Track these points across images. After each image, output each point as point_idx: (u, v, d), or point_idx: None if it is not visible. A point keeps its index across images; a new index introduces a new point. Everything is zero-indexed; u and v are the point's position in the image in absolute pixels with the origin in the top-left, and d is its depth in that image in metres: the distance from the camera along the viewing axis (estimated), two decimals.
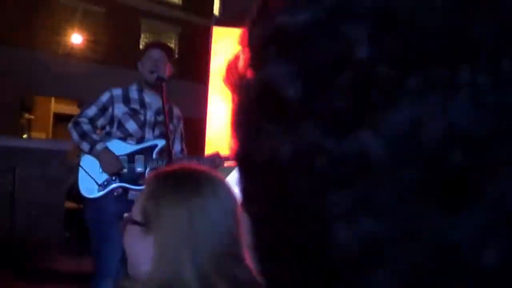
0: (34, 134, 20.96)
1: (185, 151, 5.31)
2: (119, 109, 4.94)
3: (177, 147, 5.22)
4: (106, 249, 4.69)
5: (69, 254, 7.80)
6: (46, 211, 8.67)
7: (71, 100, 18.98)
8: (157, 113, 5.01)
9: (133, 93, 5.02)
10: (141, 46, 24.63)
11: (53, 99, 22.24)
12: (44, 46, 20.30)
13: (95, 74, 16.28)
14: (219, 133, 10.27)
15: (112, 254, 4.54)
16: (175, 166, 1.81)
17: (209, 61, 10.50)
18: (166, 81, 4.94)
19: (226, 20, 10.97)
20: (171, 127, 4.97)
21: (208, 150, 10.05)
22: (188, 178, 1.69)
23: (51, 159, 8.81)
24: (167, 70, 4.99)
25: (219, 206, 1.63)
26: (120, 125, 4.95)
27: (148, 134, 5.00)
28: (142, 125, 4.98)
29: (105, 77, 11.58)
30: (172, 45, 24.97)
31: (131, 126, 4.96)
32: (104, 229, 4.75)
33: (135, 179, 4.93)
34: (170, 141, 4.99)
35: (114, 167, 4.88)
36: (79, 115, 4.94)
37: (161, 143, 4.96)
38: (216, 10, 25.14)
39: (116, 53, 21.00)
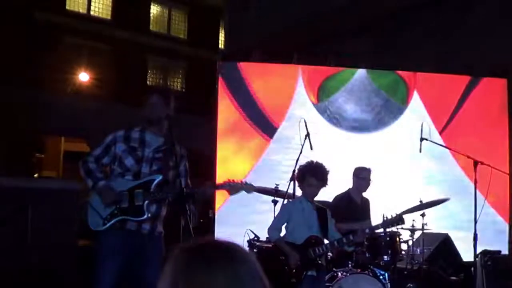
0: (45, 173, 21.13)
1: (189, 186, 5.64)
2: (120, 147, 5.52)
3: (181, 182, 5.48)
4: (105, 276, 5.34)
5: None
6: (58, 250, 8.74)
7: (81, 139, 19.07)
8: (156, 151, 5.55)
9: (135, 134, 5.59)
10: (148, 82, 24.82)
11: (63, 138, 22.38)
12: (52, 86, 20.50)
13: (103, 112, 16.41)
14: (227, 166, 10.39)
15: (109, 281, 5.31)
16: (199, 240, 1.90)
17: (217, 96, 10.64)
18: (166, 119, 5.49)
19: (231, 54, 11.06)
20: (170, 163, 5.49)
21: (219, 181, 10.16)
22: (216, 249, 1.81)
23: (63, 198, 8.96)
24: (165, 110, 5.52)
25: (248, 271, 1.78)
26: (120, 162, 5.51)
27: (145, 168, 5.50)
28: (139, 160, 5.50)
29: (112, 115, 11.68)
30: (179, 80, 25.17)
31: (129, 161, 5.50)
32: (103, 260, 5.37)
33: (135, 211, 5.38)
34: (173, 176, 5.56)
35: (111, 199, 5.35)
36: (88, 154, 5.58)
37: (158, 177, 5.43)
38: (221, 43, 25.36)
39: (123, 90, 21.15)
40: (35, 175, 19.92)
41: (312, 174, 6.49)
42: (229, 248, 1.82)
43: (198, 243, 1.86)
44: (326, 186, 6.69)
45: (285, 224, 6.63)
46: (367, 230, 6.69)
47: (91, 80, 22.43)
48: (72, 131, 16.81)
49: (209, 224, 10.37)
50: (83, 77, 22.47)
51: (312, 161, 6.67)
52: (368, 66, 11.21)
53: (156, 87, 24.57)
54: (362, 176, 8.29)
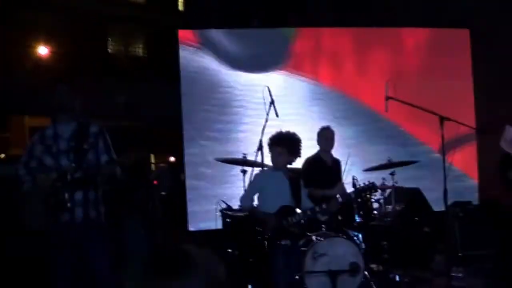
0: (13, 151, 20.83)
1: (115, 160, 5.67)
2: (38, 150, 5.60)
3: (103, 159, 5.65)
4: (58, 271, 5.44)
5: None
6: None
7: (44, 115, 18.82)
8: (70, 139, 5.56)
9: (49, 131, 5.63)
10: (109, 51, 24.50)
11: (26, 116, 22.08)
12: (10, 61, 20.10)
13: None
14: (194, 131, 10.33)
15: (63, 275, 5.44)
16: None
17: (179, 63, 10.55)
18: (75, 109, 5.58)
19: (191, 19, 10.93)
20: (85, 146, 5.52)
21: (187, 146, 10.14)
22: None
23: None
24: (75, 101, 5.62)
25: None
26: (41, 162, 5.56)
27: (63, 161, 5.51)
28: (55, 156, 5.53)
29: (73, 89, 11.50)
30: (140, 47, 24.92)
31: (48, 160, 5.54)
32: (52, 256, 5.49)
33: (60, 204, 5.38)
34: (91, 158, 5.58)
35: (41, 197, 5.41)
36: (19, 162, 5.65)
37: (71, 165, 5.42)
38: (180, 6, 25.04)
39: (84, 61, 20.83)
40: (2, 155, 19.67)
41: (277, 143, 6.45)
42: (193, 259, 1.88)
43: (161, 253, 1.91)
44: (299, 155, 6.66)
45: (257, 194, 6.60)
46: (340, 199, 6.68)
47: (51, 53, 22.04)
48: (35, 108, 16.50)
49: (181, 188, 10.34)
50: (42, 51, 22.06)
51: (281, 131, 6.62)
52: (329, 25, 11.17)
53: (118, 55, 24.24)
54: (325, 136, 8.26)
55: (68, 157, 5.49)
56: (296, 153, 6.57)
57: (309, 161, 8.13)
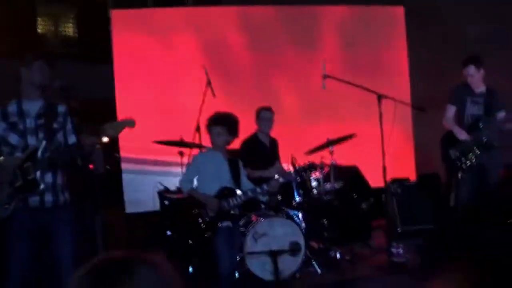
0: None
1: (82, 141, 5.31)
2: (1, 127, 5.15)
3: (71, 140, 5.34)
4: (14, 257, 5.06)
5: None
6: None
7: None
8: (37, 117, 5.21)
9: (12, 107, 5.21)
10: (39, 31, 23.94)
11: None
12: None
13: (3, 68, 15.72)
14: (128, 112, 10.13)
15: (19, 260, 5.05)
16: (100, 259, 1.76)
17: (111, 42, 10.33)
18: (47, 87, 5.25)
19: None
20: (55, 125, 5.22)
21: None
22: (118, 267, 1.69)
23: None
24: (49, 77, 5.25)
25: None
26: (5, 141, 5.15)
27: (31, 140, 5.16)
28: (22, 134, 5.15)
29: (3, 70, 11.19)
30: (71, 26, 24.39)
31: (13, 138, 5.14)
32: (12, 245, 5.08)
33: (30, 186, 5.06)
34: (61, 138, 5.29)
35: (10, 181, 5.03)
36: None
37: (42, 144, 5.10)
38: None
39: (11, 40, 20.29)
40: None
41: (216, 123, 6.35)
42: (133, 264, 1.70)
43: (97, 263, 1.73)
44: (237, 136, 6.58)
45: (197, 176, 6.50)
46: (280, 179, 6.63)
47: None
48: None
49: (116, 167, 10.17)
50: None
51: (218, 112, 6.52)
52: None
53: (48, 35, 23.70)
54: (263, 117, 8.20)
55: (37, 136, 5.14)
56: (235, 133, 6.48)
57: (247, 142, 8.06)
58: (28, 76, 5.19)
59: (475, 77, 7.54)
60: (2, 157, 5.10)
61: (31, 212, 5.08)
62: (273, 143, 8.36)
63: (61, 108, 5.33)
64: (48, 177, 5.14)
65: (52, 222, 5.16)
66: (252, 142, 8.09)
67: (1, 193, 5.02)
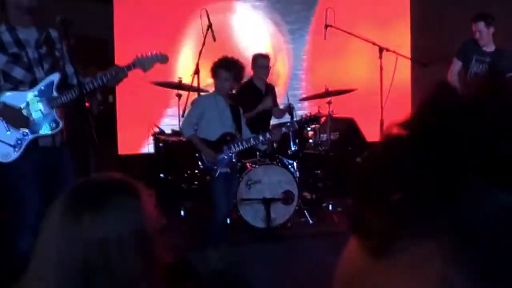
0: None
1: (81, 71, 5.04)
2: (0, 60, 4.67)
3: (69, 70, 4.96)
4: (27, 203, 4.61)
5: None
6: None
7: None
8: (38, 47, 4.80)
9: (6, 36, 4.72)
10: None
11: None
12: None
13: None
14: (126, 51, 10.02)
15: (33, 207, 4.52)
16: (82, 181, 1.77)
17: None
18: (36, 11, 4.76)
19: None
20: (56, 53, 4.82)
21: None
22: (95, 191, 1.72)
23: None
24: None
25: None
26: (7, 76, 4.69)
27: (38, 73, 4.77)
28: (29, 67, 4.73)
29: None
30: None
31: (18, 72, 4.70)
32: (24, 185, 4.65)
33: (46, 124, 4.75)
34: (65, 69, 4.89)
35: (22, 120, 4.69)
36: None
37: (56, 77, 4.78)
38: None
39: None
40: None
41: (225, 68, 6.27)
42: (111, 189, 1.72)
43: (78, 184, 1.75)
44: (241, 81, 6.53)
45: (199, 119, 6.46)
46: (283, 129, 6.60)
47: None
48: None
49: (111, 111, 10.08)
50: None
51: (225, 56, 6.44)
52: None
53: None
54: (260, 64, 8.09)
55: (43, 67, 4.76)
56: (240, 79, 6.43)
57: (242, 87, 7.96)
58: (14, 1, 4.70)
59: (484, 34, 7.44)
60: (9, 93, 4.68)
61: (41, 152, 4.77)
62: (269, 89, 8.27)
63: (54, 33, 4.91)
64: (58, 113, 4.83)
65: (61, 161, 4.84)
66: (248, 87, 7.98)
67: (10, 135, 4.67)
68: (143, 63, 5.02)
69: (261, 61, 8.09)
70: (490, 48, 7.53)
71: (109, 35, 10.13)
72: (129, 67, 4.97)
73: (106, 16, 10.22)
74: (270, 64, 8.16)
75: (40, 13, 4.83)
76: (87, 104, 7.28)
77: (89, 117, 5.27)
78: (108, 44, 10.19)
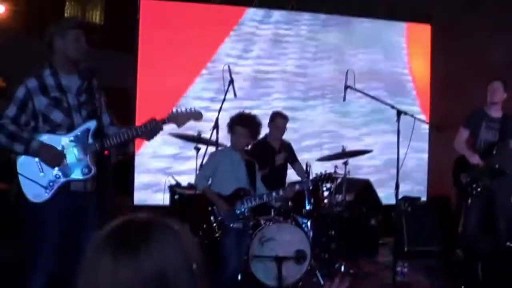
0: None
1: (115, 121, 5.14)
2: (40, 102, 4.72)
3: (105, 119, 5.01)
4: (46, 245, 4.62)
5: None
6: None
7: None
8: (78, 94, 4.85)
9: (49, 79, 4.78)
10: (66, 15, 23.99)
11: None
12: None
13: (19, 47, 15.76)
14: (148, 102, 10.14)
15: (50, 249, 4.59)
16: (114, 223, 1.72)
17: (138, 32, 10.33)
18: (81, 61, 4.81)
19: None
20: (96, 102, 4.76)
21: (138, 118, 9.95)
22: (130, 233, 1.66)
23: None
24: (85, 47, 4.85)
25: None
26: (46, 118, 4.74)
27: (76, 119, 4.80)
28: (68, 112, 4.78)
29: (30, 50, 11.24)
30: (98, 13, 24.46)
31: (57, 116, 4.75)
32: (49, 227, 4.66)
33: (79, 170, 4.78)
34: (103, 118, 4.86)
35: (58, 159, 4.71)
36: (1, 116, 4.70)
37: (93, 125, 4.78)
38: None
39: (40, 23, 20.37)
40: None
41: (240, 124, 6.31)
42: (151, 229, 1.67)
43: (118, 224, 1.70)
44: (257, 137, 6.56)
45: (213, 173, 6.48)
46: (297, 187, 6.60)
47: (8, 11, 21.49)
48: None
49: (130, 162, 10.14)
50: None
51: (243, 111, 6.49)
52: (285, 7, 11.15)
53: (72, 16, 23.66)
54: (278, 124, 8.11)
55: (81, 114, 4.79)
56: (256, 135, 6.46)
57: (257, 146, 7.97)
58: (62, 47, 4.80)
59: (498, 93, 7.46)
60: (45, 136, 4.72)
61: (71, 194, 4.77)
62: (284, 146, 8.27)
63: (95, 82, 4.89)
64: (92, 160, 4.82)
65: (89, 206, 4.78)
66: (262, 145, 7.99)
67: (43, 176, 4.69)
68: (178, 119, 5.03)
69: (279, 121, 8.09)
70: (498, 114, 7.55)
71: (131, 84, 10.28)
72: (164, 122, 4.97)
73: (129, 66, 10.40)
74: (286, 125, 8.17)
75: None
76: (106, 152, 7.30)
77: (109, 165, 5.27)
78: (129, 92, 10.32)
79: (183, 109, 5.09)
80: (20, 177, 4.70)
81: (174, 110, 5.06)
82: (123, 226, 1.68)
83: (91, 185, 4.86)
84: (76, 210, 4.76)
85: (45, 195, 4.67)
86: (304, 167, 7.80)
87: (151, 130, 4.94)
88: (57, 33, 4.82)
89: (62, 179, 4.72)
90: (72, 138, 4.76)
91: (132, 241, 1.61)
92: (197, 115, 5.15)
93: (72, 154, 4.75)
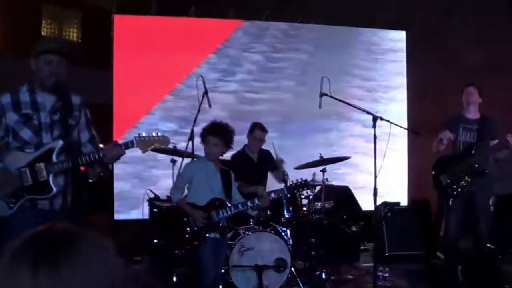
0: None
1: (96, 137, 5.14)
2: (11, 118, 4.76)
3: (84, 137, 5.04)
4: None
5: None
6: None
7: None
8: (52, 112, 4.83)
9: (24, 96, 4.82)
10: (42, 33, 23.92)
11: None
12: None
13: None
14: (125, 118, 10.13)
15: None
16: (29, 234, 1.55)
17: (113, 48, 10.32)
18: (63, 84, 4.76)
19: (127, 6, 10.71)
20: (71, 121, 4.81)
21: (116, 134, 9.93)
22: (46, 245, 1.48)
23: None
24: (61, 69, 4.82)
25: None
26: (15, 135, 4.77)
27: (46, 137, 4.81)
28: (37, 131, 4.79)
29: (3, 68, 11.19)
30: (75, 31, 24.41)
31: (26, 133, 4.77)
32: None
33: (41, 188, 4.76)
34: (75, 134, 4.93)
35: (10, 187, 4.72)
36: None
37: (58, 144, 4.77)
38: None
39: (15, 42, 20.30)
40: None
41: (213, 134, 6.31)
42: (76, 241, 1.49)
43: (37, 233, 1.53)
44: (231, 147, 6.53)
45: (187, 184, 6.46)
46: (272, 195, 6.59)
47: None
48: None
49: (109, 177, 10.14)
50: None
51: (214, 121, 6.49)
52: (269, 18, 11.17)
53: (51, 38, 23.60)
54: (256, 136, 8.09)
55: (52, 133, 4.79)
56: (230, 144, 6.44)
57: (236, 157, 7.97)
58: (35, 68, 4.81)
59: (474, 96, 7.54)
60: (12, 152, 4.78)
61: (38, 212, 4.77)
62: (263, 158, 8.27)
63: (76, 100, 4.96)
64: (61, 180, 4.83)
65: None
66: (240, 157, 8.00)
67: (7, 190, 4.73)
68: (142, 144, 4.95)
69: (258, 134, 8.07)
70: (476, 115, 7.61)
71: (109, 99, 10.27)
72: (127, 146, 4.89)
73: (106, 82, 10.39)
74: (265, 137, 8.15)
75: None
76: (82, 168, 7.26)
77: (83, 183, 5.22)
78: (108, 108, 10.31)
79: (149, 134, 5.01)
80: None
81: (137, 135, 4.99)
82: (44, 235, 1.52)
83: (60, 204, 4.86)
84: None
85: (8, 210, 4.72)
86: (281, 176, 7.79)
87: (113, 153, 4.88)
88: (32, 55, 4.83)
89: (25, 196, 4.74)
90: (36, 157, 4.76)
91: (54, 252, 1.45)
92: (162, 141, 5.07)
93: (36, 172, 4.74)
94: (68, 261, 1.43)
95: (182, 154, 7.60)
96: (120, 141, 5.00)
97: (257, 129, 8.10)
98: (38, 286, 1.39)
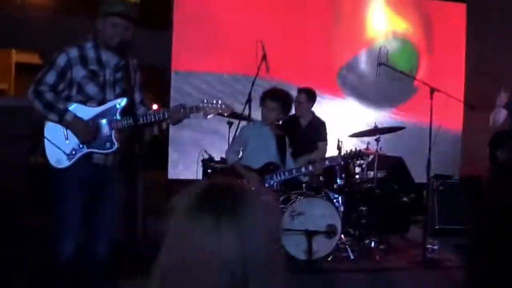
0: None
1: (146, 101, 5.26)
2: (78, 72, 4.83)
3: (137, 98, 5.13)
4: (70, 215, 4.77)
5: (34, 210, 7.65)
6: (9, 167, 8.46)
7: (32, 50, 18.53)
8: (116, 70, 4.95)
9: (90, 52, 4.89)
10: None
11: (13, 50, 21.74)
12: None
13: (56, 23, 15.88)
14: (184, 81, 10.18)
15: (75, 220, 4.75)
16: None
17: (172, 9, 10.33)
18: (128, 45, 4.88)
19: None
20: (131, 81, 4.93)
21: (173, 94, 10.01)
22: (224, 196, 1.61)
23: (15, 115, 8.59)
24: (127, 34, 4.89)
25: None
26: (80, 89, 4.85)
27: (109, 94, 4.91)
28: (102, 87, 4.89)
29: (65, 25, 11.32)
30: None
31: (92, 89, 4.86)
32: (70, 196, 4.79)
33: (102, 143, 4.88)
34: (136, 97, 5.04)
35: (89, 135, 4.83)
36: (39, 83, 4.80)
37: (122, 101, 4.90)
38: None
39: (78, 1, 20.42)
40: None
41: (272, 98, 6.36)
42: (247, 196, 1.61)
43: (212, 185, 1.65)
44: (289, 113, 6.57)
45: (242, 147, 6.54)
46: (326, 162, 6.62)
47: None
48: (23, 42, 16.26)
49: (164, 137, 10.23)
50: None
51: (276, 87, 6.53)
52: None
53: None
54: (297, 99, 7.97)
55: (115, 90, 4.92)
56: (288, 111, 6.49)
57: (285, 120, 7.91)
58: (101, 28, 4.86)
59: None
60: (75, 105, 4.84)
61: (92, 166, 4.89)
62: (312, 125, 8.22)
63: (134, 61, 5.10)
64: (119, 136, 4.93)
65: (109, 180, 4.94)
66: (289, 123, 7.86)
67: (67, 144, 4.82)
68: (207, 110, 5.07)
69: (296, 96, 7.95)
70: None
71: (167, 62, 10.30)
72: (192, 110, 5.03)
73: (164, 44, 10.41)
74: (305, 100, 8.11)
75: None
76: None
77: (141, 142, 5.34)
78: (165, 72, 10.37)
79: (213, 102, 5.12)
80: (46, 142, 4.84)
81: (205, 100, 5.11)
82: (222, 190, 1.63)
83: (112, 160, 4.97)
84: (97, 183, 4.88)
85: (66, 162, 4.82)
86: (336, 143, 7.78)
87: (178, 116, 5.02)
88: (99, 14, 4.89)
89: (84, 150, 4.85)
90: (100, 112, 4.87)
91: (233, 204, 1.56)
92: (225, 110, 5.18)
93: (99, 127, 4.87)
94: (244, 211, 1.55)
95: (238, 117, 7.66)
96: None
97: (297, 92, 8.06)
98: (221, 234, 1.51)
